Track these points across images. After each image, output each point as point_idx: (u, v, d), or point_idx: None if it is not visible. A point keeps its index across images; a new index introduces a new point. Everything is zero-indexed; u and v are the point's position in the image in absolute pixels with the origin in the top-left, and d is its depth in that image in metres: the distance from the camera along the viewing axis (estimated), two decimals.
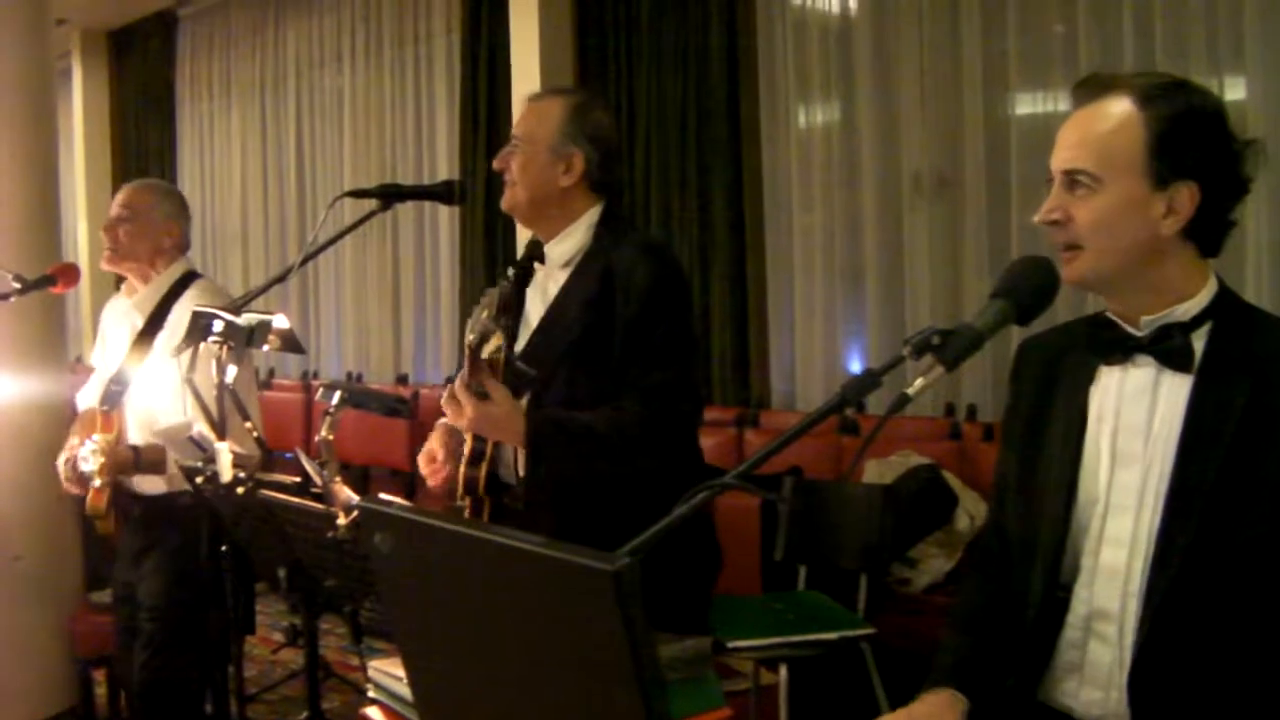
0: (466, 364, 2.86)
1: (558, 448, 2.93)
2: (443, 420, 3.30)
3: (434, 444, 3.25)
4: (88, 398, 4.25)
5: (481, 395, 2.85)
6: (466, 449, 3.12)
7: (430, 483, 3.23)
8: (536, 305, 3.21)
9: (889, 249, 6.95)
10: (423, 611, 1.67)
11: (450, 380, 3.01)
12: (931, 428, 6.43)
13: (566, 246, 3.17)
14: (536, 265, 3.25)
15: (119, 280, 4.40)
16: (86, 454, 3.98)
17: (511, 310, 2.83)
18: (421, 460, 3.25)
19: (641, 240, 3.24)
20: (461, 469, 3.11)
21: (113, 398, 4.07)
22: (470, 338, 2.81)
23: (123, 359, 4.12)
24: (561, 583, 1.36)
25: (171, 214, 4.26)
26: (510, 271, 2.93)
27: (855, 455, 6.22)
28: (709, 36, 7.49)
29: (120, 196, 4.22)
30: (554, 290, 3.17)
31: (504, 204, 3.24)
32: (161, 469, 3.98)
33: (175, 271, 4.22)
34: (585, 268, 3.14)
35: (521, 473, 2.98)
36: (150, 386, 4.06)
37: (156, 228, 4.19)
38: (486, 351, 2.83)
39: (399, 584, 1.70)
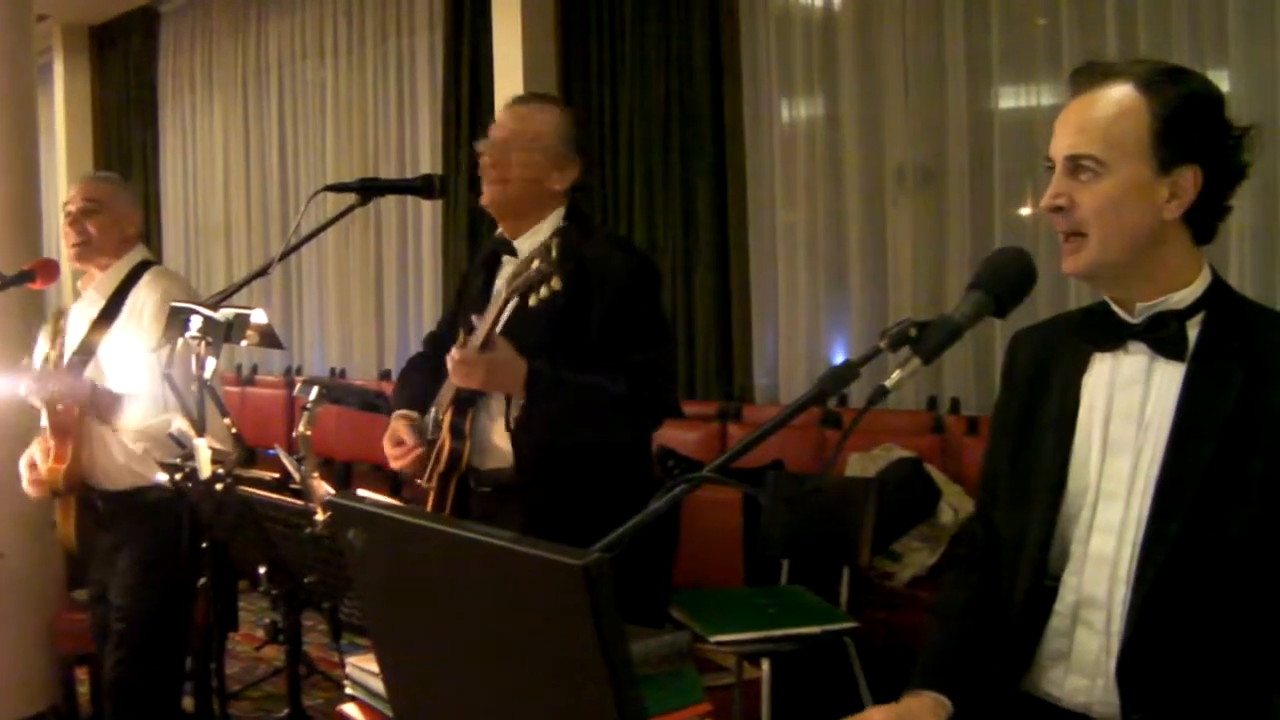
0: (489, 322, 3.00)
1: (553, 392, 3.08)
2: (400, 412, 3.42)
3: (399, 429, 3.37)
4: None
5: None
6: (446, 424, 3.25)
7: (400, 464, 3.33)
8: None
9: (872, 244, 6.95)
10: (396, 606, 1.66)
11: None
12: (914, 421, 6.45)
13: (536, 241, 3.23)
14: (506, 259, 3.37)
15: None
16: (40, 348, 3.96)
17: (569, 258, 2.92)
18: (388, 443, 3.37)
19: (611, 235, 3.47)
20: (445, 442, 3.23)
21: (75, 368, 4.06)
22: (512, 286, 2.93)
23: (81, 338, 4.11)
24: (533, 578, 1.36)
25: (132, 203, 4.31)
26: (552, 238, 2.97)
27: (834, 448, 6.23)
28: (692, 32, 7.49)
29: (79, 190, 4.20)
30: (505, 278, 3.23)
31: (487, 198, 3.33)
32: (111, 418, 3.96)
33: (133, 259, 4.22)
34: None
35: (512, 421, 3.12)
36: (111, 373, 4.04)
37: (121, 218, 4.20)
38: (537, 298, 2.90)
39: (372, 579, 1.70)
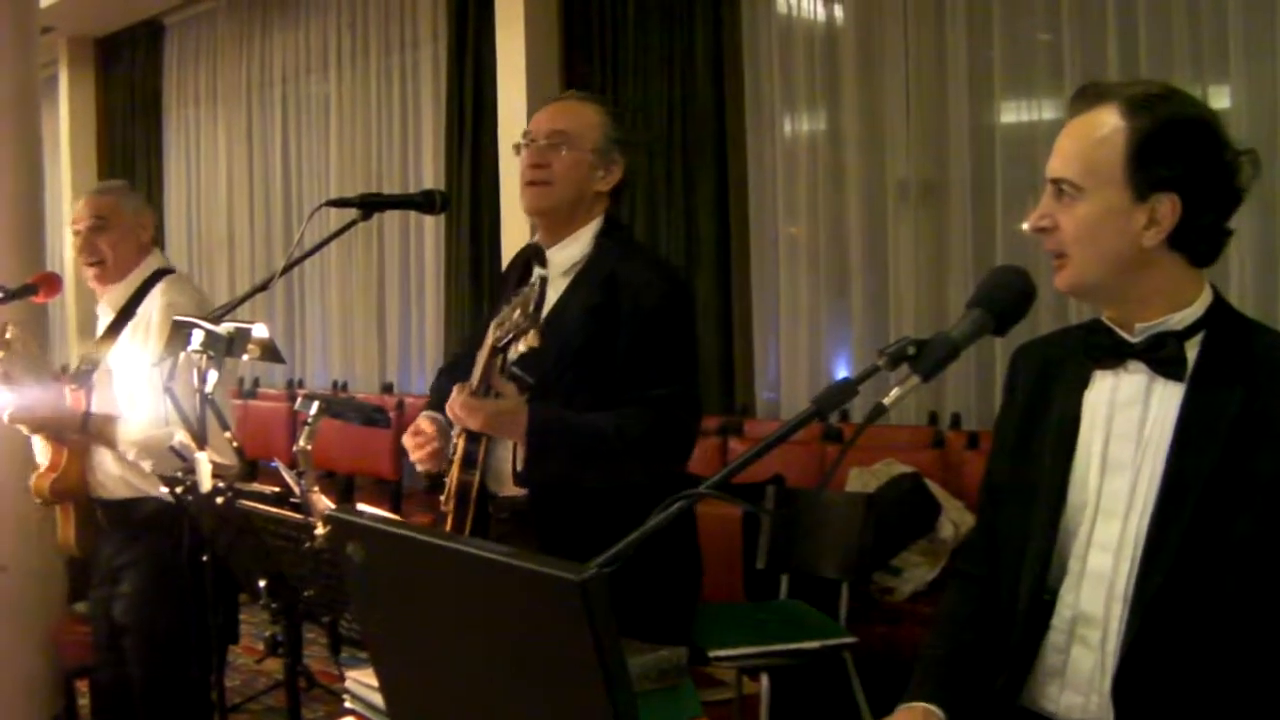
0: (483, 364, 2.88)
1: (558, 442, 2.95)
2: (427, 413, 3.31)
3: (421, 422, 3.26)
4: None
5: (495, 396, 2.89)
6: (458, 452, 3.11)
7: (416, 456, 3.22)
8: None
9: (874, 257, 6.96)
10: (394, 621, 1.67)
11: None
12: (915, 436, 6.46)
13: (570, 253, 3.17)
14: (537, 269, 3.23)
15: None
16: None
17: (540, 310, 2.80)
18: (408, 437, 3.24)
19: (650, 255, 3.29)
20: (454, 472, 3.11)
21: (82, 377, 4.06)
22: (495, 334, 2.80)
23: (93, 344, 4.11)
24: (530, 593, 1.36)
25: (140, 209, 4.23)
26: (537, 273, 2.89)
27: (832, 464, 6.24)
28: (695, 44, 7.51)
29: (84, 207, 4.13)
30: (553, 296, 3.15)
31: (536, 203, 3.20)
32: (110, 441, 3.95)
33: (149, 267, 4.17)
34: (586, 277, 3.15)
35: (519, 465, 2.99)
36: (118, 382, 4.04)
37: (134, 227, 4.15)
38: (519, 349, 2.80)
39: (370, 594, 1.70)
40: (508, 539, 3.09)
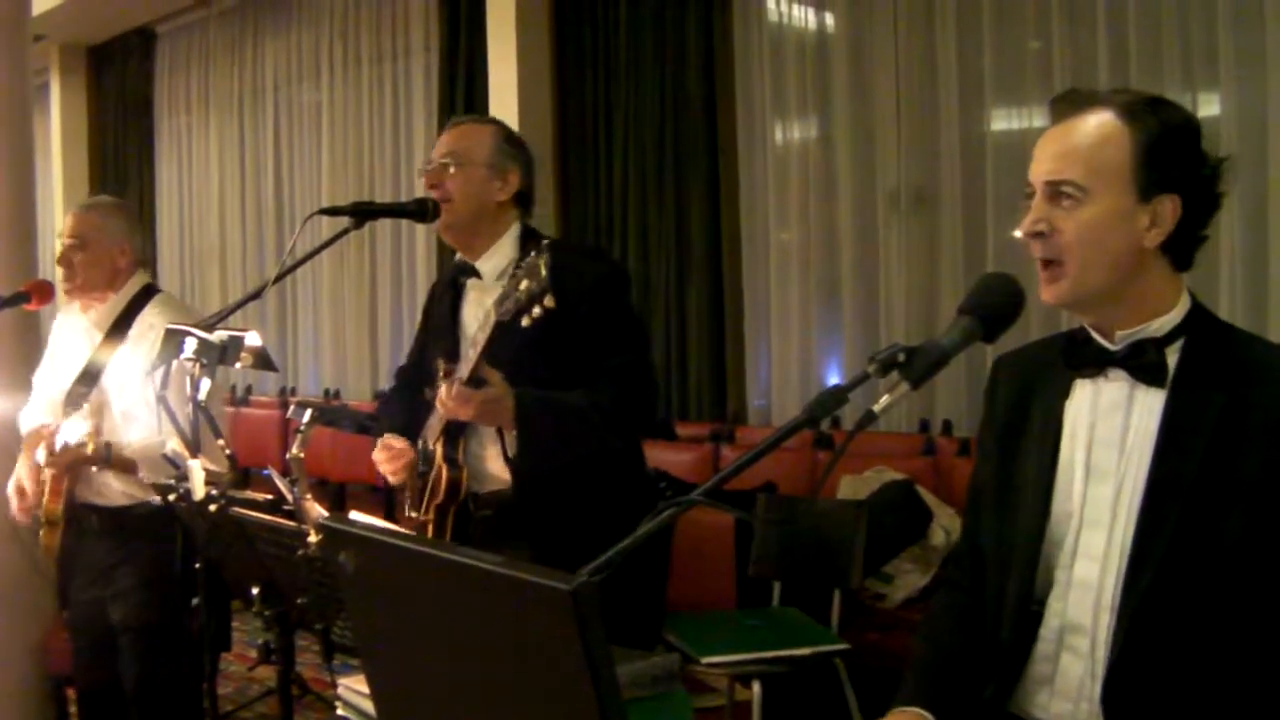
0: (475, 357, 3.00)
1: (545, 422, 3.11)
2: (389, 435, 3.46)
3: (387, 438, 3.41)
4: (31, 418, 4.23)
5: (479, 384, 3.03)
6: (439, 455, 3.27)
7: (389, 469, 3.38)
8: (475, 320, 3.32)
9: (865, 265, 6.96)
10: (386, 629, 1.67)
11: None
12: (906, 443, 6.45)
13: (497, 260, 3.35)
14: (471, 283, 3.42)
15: None
16: (73, 425, 3.97)
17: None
18: (379, 453, 3.41)
19: (577, 245, 3.44)
20: (443, 472, 3.26)
21: (77, 399, 4.05)
22: (498, 312, 2.89)
23: (84, 366, 4.10)
24: (521, 602, 1.37)
25: (122, 232, 4.19)
26: (533, 254, 2.95)
27: (823, 471, 6.24)
28: (686, 54, 7.52)
29: (68, 223, 4.14)
30: (491, 302, 3.21)
31: (442, 224, 3.35)
32: (133, 469, 3.95)
33: (133, 286, 4.17)
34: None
35: (510, 451, 3.16)
36: (114, 399, 4.04)
37: (109, 250, 4.13)
38: (535, 314, 2.85)
39: (363, 602, 1.71)
40: (492, 533, 3.25)
